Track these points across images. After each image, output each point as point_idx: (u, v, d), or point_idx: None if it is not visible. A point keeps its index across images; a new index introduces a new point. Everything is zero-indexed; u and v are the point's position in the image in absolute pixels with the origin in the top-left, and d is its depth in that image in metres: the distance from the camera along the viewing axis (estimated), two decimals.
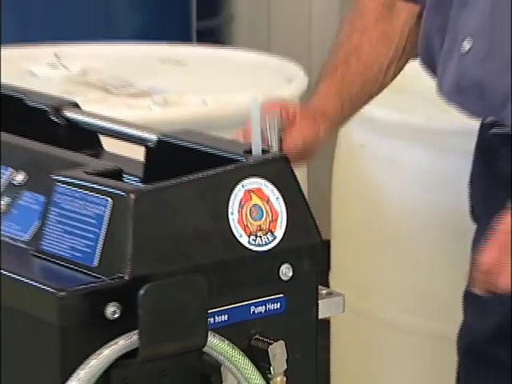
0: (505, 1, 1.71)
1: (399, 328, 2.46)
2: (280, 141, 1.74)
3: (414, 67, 2.68)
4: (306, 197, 1.48)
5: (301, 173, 1.53)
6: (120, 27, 3.15)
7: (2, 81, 1.87)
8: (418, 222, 2.40)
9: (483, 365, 1.96)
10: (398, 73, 2.06)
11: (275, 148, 1.68)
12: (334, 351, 2.59)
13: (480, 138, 1.92)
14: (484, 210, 1.93)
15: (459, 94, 1.81)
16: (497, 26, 1.72)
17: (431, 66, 1.95)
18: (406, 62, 2.05)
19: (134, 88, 2.63)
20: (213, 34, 3.66)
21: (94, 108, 1.92)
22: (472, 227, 1.96)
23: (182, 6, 3.45)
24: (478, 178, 1.95)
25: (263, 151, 1.50)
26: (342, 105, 1.92)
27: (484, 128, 1.89)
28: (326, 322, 1.51)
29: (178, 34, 3.31)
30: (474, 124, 1.90)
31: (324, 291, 1.50)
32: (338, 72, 1.96)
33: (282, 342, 1.41)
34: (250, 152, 1.49)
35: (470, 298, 1.96)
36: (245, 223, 1.41)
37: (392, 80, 2.05)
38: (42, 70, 2.72)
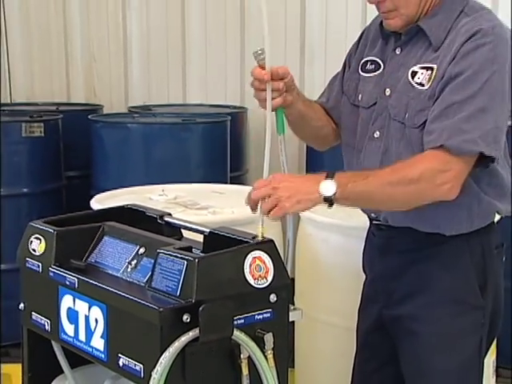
0: (388, 156, 1.63)
1: (329, 324, 2.40)
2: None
3: None
4: (283, 258, 1.45)
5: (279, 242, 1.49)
6: (193, 176, 3.19)
7: (135, 202, 1.83)
8: (338, 271, 2.35)
9: (365, 347, 1.84)
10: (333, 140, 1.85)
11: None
12: (296, 338, 2.50)
13: (369, 228, 1.85)
14: (367, 266, 1.85)
15: None
16: (383, 166, 1.61)
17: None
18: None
19: (199, 205, 2.61)
20: (238, 179, 3.70)
21: (179, 216, 1.88)
22: (363, 275, 1.87)
23: (222, 166, 3.47)
24: (365, 249, 1.86)
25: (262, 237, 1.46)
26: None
27: (371, 222, 1.83)
28: (292, 323, 1.47)
29: (221, 179, 3.31)
30: (366, 222, 1.85)
31: (292, 307, 1.46)
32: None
33: (271, 334, 1.38)
34: (255, 237, 1.45)
35: (360, 308, 1.84)
36: (252, 273, 1.38)
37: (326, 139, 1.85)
38: (155, 196, 2.73)
